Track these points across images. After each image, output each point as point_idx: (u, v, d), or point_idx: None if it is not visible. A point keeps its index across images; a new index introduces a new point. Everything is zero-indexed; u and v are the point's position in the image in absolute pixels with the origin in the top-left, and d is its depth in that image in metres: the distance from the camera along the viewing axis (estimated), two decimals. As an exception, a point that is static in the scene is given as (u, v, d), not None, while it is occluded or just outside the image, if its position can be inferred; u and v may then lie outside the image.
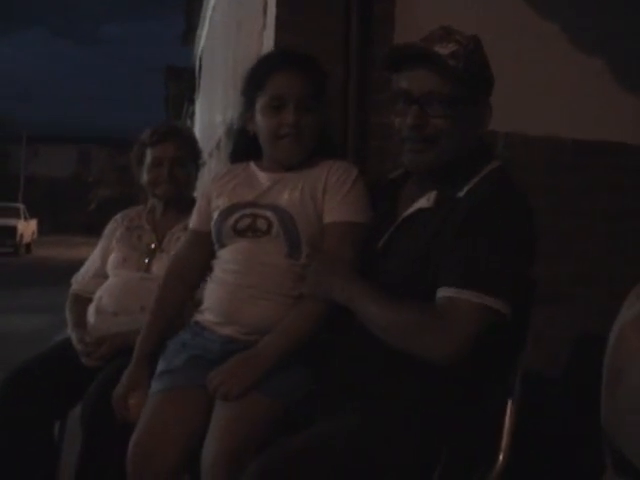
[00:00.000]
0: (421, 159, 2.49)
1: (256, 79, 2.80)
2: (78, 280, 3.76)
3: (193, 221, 2.96)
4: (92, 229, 47.98)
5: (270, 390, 2.50)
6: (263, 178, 2.82)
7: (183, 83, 19.71)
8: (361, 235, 2.65)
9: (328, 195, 2.70)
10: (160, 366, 2.74)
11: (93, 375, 3.23)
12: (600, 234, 4.39)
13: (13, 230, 30.48)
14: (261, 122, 2.76)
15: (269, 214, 2.70)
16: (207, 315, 2.75)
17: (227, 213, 2.77)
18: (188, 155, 3.70)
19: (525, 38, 4.34)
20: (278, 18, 4.10)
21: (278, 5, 4.11)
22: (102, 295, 3.52)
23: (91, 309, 3.53)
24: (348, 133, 4.00)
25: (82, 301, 3.66)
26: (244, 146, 2.94)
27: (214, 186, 2.89)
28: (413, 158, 2.51)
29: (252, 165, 2.88)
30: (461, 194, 2.40)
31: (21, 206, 35.52)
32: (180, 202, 3.68)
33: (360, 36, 4.05)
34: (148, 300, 3.38)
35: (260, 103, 2.76)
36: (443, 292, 2.25)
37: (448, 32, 2.46)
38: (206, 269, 2.84)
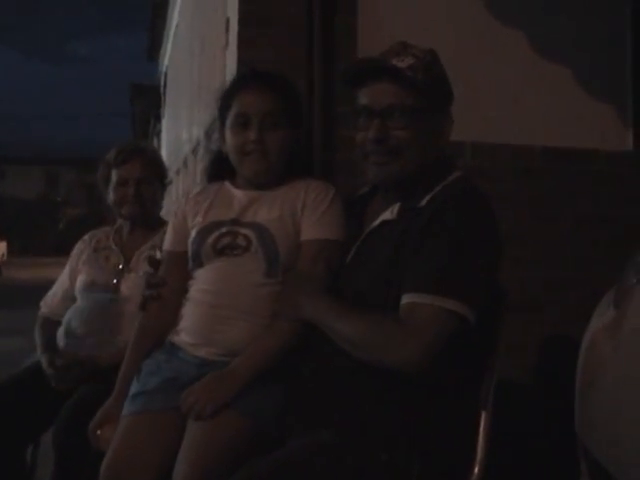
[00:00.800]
0: (386, 171, 2.50)
1: (225, 98, 2.82)
2: (47, 303, 3.74)
3: (168, 242, 2.91)
4: (62, 249, 47.69)
5: (243, 408, 2.48)
6: (240, 196, 2.81)
7: (149, 100, 19.64)
8: (337, 252, 2.64)
9: (306, 213, 2.70)
10: (133, 387, 2.70)
11: (64, 398, 3.21)
12: (571, 240, 4.42)
13: (-18, 252, 30.30)
14: (229, 140, 2.77)
15: (248, 232, 2.68)
16: (183, 336, 2.72)
17: (206, 232, 2.75)
18: (153, 174, 3.68)
19: (490, 48, 4.37)
20: (240, 35, 4.10)
21: (240, 22, 4.11)
22: (71, 318, 3.50)
23: (60, 332, 3.51)
24: (313, 147, 4.00)
25: (51, 324, 3.63)
26: (218, 165, 2.93)
27: (189, 205, 2.87)
28: (378, 171, 2.52)
29: (227, 184, 2.86)
30: (422, 203, 2.41)
31: (-11, 228, 35.33)
32: (147, 221, 3.67)
33: (323, 50, 4.06)
34: (117, 321, 3.40)
35: (228, 121, 2.77)
36: (406, 299, 2.25)
37: (405, 46, 2.49)
38: (184, 290, 2.80)
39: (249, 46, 4.07)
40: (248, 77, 2.85)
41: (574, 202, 4.46)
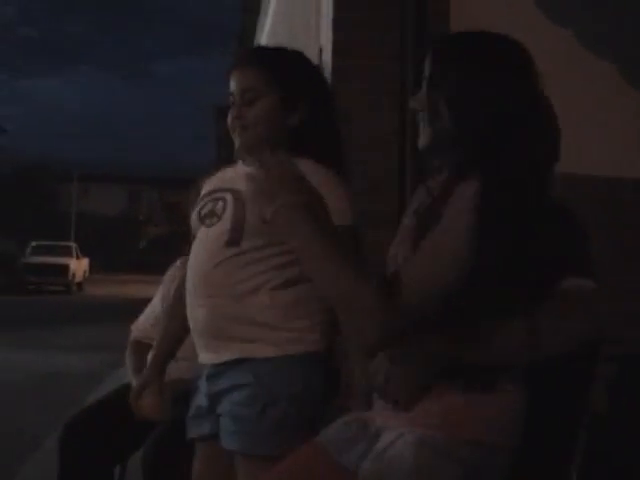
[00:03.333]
0: None
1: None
2: (138, 327, 3.80)
3: None
4: (142, 267, 48.45)
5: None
6: (238, 169, 2.75)
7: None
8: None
9: None
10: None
11: (154, 421, 3.25)
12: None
13: (65, 268, 30.77)
14: None
15: (227, 195, 2.62)
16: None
17: (198, 202, 2.74)
18: None
19: (581, 77, 4.33)
20: (334, 64, 4.14)
21: (333, 52, 4.14)
22: (162, 341, 3.53)
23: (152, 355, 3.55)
24: (406, 173, 4.01)
25: (142, 347, 3.69)
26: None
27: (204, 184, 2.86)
28: None
29: (240, 162, 2.80)
30: None
31: (73, 244, 35.92)
32: None
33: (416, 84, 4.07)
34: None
35: None
36: None
37: None
38: None
39: (342, 75, 4.11)
40: (235, 58, 2.85)
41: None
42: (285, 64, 2.77)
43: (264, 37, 11.97)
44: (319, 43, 4.63)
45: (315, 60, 4.57)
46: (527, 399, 2.19)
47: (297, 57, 2.83)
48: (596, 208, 4.24)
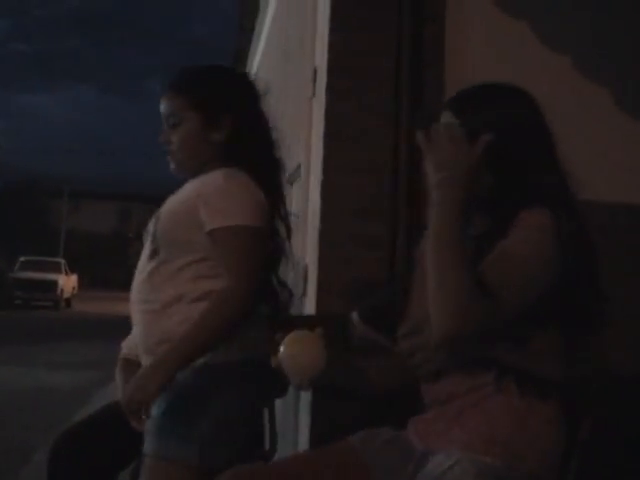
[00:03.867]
0: None
1: None
2: (128, 344, 3.77)
3: None
4: (131, 285, 48.27)
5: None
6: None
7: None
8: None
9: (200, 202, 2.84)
10: None
11: (142, 437, 3.23)
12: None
13: (54, 284, 30.71)
14: None
15: (157, 213, 2.90)
16: None
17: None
18: None
19: (575, 103, 4.34)
20: (329, 85, 4.13)
21: (329, 73, 4.14)
22: (153, 359, 3.52)
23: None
24: (399, 197, 4.01)
25: (132, 365, 3.65)
26: None
27: None
28: None
29: None
30: None
31: (62, 261, 35.84)
32: None
33: (411, 101, 4.08)
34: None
35: None
36: None
37: None
38: None
39: (338, 97, 4.11)
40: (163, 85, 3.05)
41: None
42: (205, 85, 2.95)
43: (258, 57, 12.00)
44: (314, 64, 4.63)
45: (310, 81, 4.59)
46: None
47: (220, 75, 3.03)
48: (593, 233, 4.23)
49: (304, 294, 4.30)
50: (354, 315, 2.78)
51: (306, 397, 4.03)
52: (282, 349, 2.34)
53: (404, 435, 2.33)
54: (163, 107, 2.93)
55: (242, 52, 13.86)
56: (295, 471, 2.31)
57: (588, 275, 2.22)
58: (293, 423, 4.36)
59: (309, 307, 4.13)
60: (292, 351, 2.31)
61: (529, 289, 2.10)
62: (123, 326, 3.91)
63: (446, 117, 2.34)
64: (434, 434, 2.23)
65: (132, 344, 3.76)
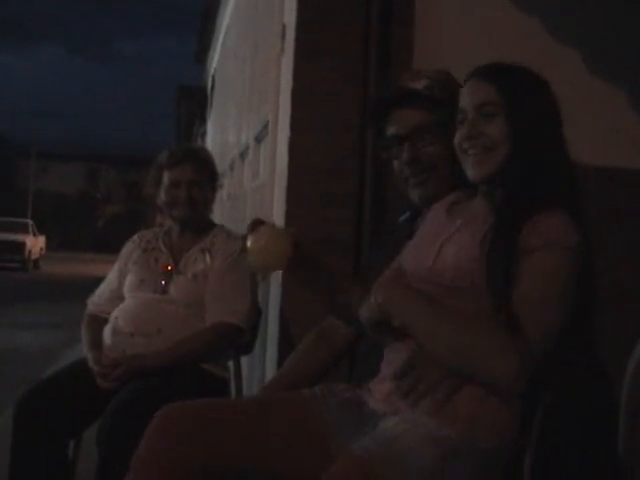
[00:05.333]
0: (425, 190, 2.62)
1: None
2: (94, 301, 3.76)
3: None
4: (100, 246, 48.16)
5: None
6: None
7: (195, 102, 19.72)
8: None
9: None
10: None
11: (109, 396, 3.23)
12: (622, 262, 4.35)
13: (22, 246, 30.45)
14: None
15: None
16: None
17: None
18: (205, 177, 3.69)
19: (545, 65, 4.33)
20: (297, 42, 4.10)
21: (297, 29, 4.11)
22: (118, 316, 3.52)
23: (107, 330, 3.53)
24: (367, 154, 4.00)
25: (98, 322, 3.65)
26: None
27: None
28: (419, 191, 2.65)
29: None
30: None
31: (30, 222, 35.54)
32: (197, 224, 3.68)
33: (380, 59, 4.05)
34: (165, 322, 3.43)
35: None
36: None
37: (418, 71, 2.72)
38: None
39: (306, 53, 4.08)
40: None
41: (624, 225, 4.39)
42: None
43: (227, 16, 11.91)
44: (282, 20, 4.60)
45: (278, 37, 4.55)
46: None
47: None
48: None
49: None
50: (331, 319, 2.82)
51: (272, 352, 4.05)
52: (249, 242, 2.35)
53: (364, 396, 2.33)
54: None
55: (210, 12, 13.76)
56: (246, 414, 2.31)
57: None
58: (259, 377, 4.38)
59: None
60: (258, 245, 2.32)
61: (563, 324, 2.14)
62: (92, 287, 3.89)
63: (484, 92, 2.29)
64: (393, 398, 2.23)
65: (98, 301, 3.76)
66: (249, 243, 2.28)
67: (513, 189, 2.24)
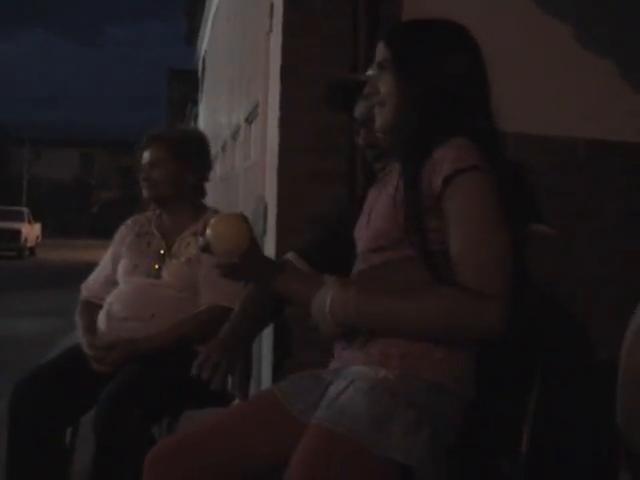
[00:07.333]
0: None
1: None
2: (88, 286, 3.75)
3: None
4: (95, 232, 48.17)
5: None
6: None
7: (186, 84, 19.71)
8: None
9: None
10: None
11: (104, 381, 3.22)
12: (616, 235, 4.35)
13: (17, 233, 30.47)
14: None
15: None
16: None
17: None
18: (169, 156, 3.62)
19: (534, 39, 4.31)
20: (285, 21, 4.08)
21: (285, 8, 4.09)
22: (113, 301, 3.51)
23: (101, 315, 3.52)
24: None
25: (92, 307, 3.65)
26: None
27: None
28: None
29: None
30: None
31: (25, 209, 35.54)
32: (181, 206, 3.67)
33: (369, 38, 4.03)
34: (159, 306, 3.42)
35: None
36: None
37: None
38: None
39: (294, 32, 4.06)
40: None
41: (619, 197, 4.39)
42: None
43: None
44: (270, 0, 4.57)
45: (267, 16, 4.53)
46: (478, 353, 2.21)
47: None
48: (550, 168, 4.25)
49: (264, 232, 4.29)
50: (290, 253, 2.81)
51: (268, 335, 4.04)
52: (208, 231, 2.36)
53: (322, 369, 2.35)
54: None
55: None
56: (223, 432, 2.31)
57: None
58: (255, 360, 4.38)
59: (269, 245, 4.12)
60: (217, 231, 2.33)
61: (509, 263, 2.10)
62: (87, 273, 3.88)
63: (380, 50, 2.32)
64: (342, 359, 2.26)
65: (92, 286, 3.75)
66: (207, 233, 2.31)
67: (401, 141, 2.25)
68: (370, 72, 2.38)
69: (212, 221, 2.36)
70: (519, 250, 2.17)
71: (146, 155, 3.66)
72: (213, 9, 12.88)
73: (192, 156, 3.71)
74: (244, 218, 2.40)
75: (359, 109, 2.68)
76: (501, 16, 4.26)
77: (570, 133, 4.35)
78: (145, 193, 3.67)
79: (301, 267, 2.70)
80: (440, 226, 2.11)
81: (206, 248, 2.36)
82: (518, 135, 4.14)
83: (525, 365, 2.43)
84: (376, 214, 2.27)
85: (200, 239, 2.39)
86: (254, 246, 2.36)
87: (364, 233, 2.32)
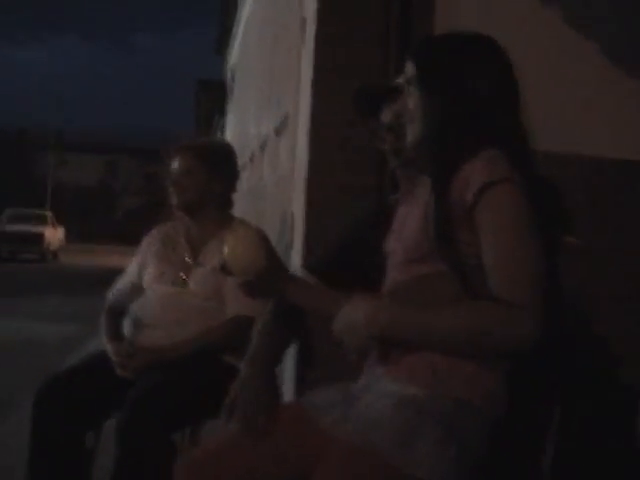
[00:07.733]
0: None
1: None
2: (114, 293, 3.77)
3: None
4: (119, 237, 48.31)
5: None
6: None
7: (214, 95, 19.73)
8: None
9: None
10: None
11: (128, 387, 3.24)
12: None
13: (40, 237, 30.54)
14: None
15: None
16: None
17: None
18: (195, 166, 3.65)
19: (563, 55, 4.31)
20: (317, 35, 4.09)
21: (317, 22, 4.10)
22: (138, 309, 3.55)
23: (127, 322, 3.55)
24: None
25: (118, 314, 3.68)
26: None
27: None
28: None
29: None
30: None
31: (49, 213, 35.66)
32: (210, 215, 3.68)
33: (400, 54, 4.03)
34: (184, 314, 3.43)
35: None
36: None
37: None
38: None
39: (326, 46, 4.07)
40: None
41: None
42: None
43: (247, 8, 11.90)
44: (302, 13, 4.59)
45: (298, 30, 4.54)
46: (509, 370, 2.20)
47: None
48: (579, 187, 4.22)
49: (291, 246, 4.29)
50: (301, 269, 2.82)
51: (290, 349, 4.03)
52: (225, 250, 2.37)
53: (351, 382, 2.36)
54: None
55: (230, 3, 13.76)
56: (249, 448, 2.31)
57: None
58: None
59: (296, 258, 4.12)
60: (233, 251, 2.34)
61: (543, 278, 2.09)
62: (110, 279, 3.90)
63: (408, 66, 2.33)
64: (371, 374, 2.26)
65: (120, 294, 3.77)
66: (225, 251, 2.32)
67: (430, 157, 2.25)
68: (399, 80, 2.39)
69: (229, 240, 2.38)
70: (551, 261, 2.17)
71: (175, 163, 3.69)
72: (244, 20, 12.93)
73: (220, 165, 3.73)
74: (261, 236, 2.41)
75: (386, 115, 2.69)
76: (534, 31, 4.25)
77: (599, 152, 4.33)
78: (173, 200, 3.69)
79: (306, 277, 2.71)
80: (473, 240, 2.12)
81: (224, 267, 2.37)
82: (546, 153, 4.13)
83: (549, 380, 2.43)
84: (408, 228, 2.28)
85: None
86: (272, 264, 2.36)
87: (396, 247, 2.32)
